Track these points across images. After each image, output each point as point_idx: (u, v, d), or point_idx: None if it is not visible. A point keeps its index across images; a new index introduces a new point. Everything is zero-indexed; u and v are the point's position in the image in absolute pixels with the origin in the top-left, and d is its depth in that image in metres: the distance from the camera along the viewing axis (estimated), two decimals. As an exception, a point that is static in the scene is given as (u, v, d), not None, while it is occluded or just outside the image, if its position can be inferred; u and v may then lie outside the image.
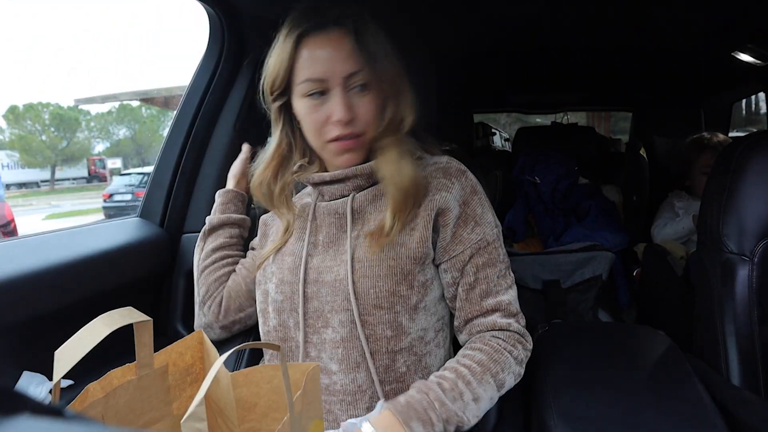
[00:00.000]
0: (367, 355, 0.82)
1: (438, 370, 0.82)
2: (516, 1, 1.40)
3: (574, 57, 2.08)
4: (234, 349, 0.54)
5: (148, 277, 1.15)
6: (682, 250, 1.85)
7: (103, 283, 1.01)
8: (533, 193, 2.35)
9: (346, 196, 0.89)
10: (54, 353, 0.50)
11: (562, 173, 2.35)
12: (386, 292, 0.82)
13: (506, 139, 6.82)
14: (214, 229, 1.05)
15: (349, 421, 0.75)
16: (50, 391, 0.85)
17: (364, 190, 0.89)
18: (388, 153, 0.84)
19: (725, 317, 1.04)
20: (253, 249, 1.03)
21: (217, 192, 1.09)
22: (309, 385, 0.58)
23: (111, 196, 12.72)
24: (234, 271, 1.02)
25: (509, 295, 0.87)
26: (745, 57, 1.79)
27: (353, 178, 0.87)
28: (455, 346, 0.91)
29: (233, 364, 1.03)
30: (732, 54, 1.79)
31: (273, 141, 0.92)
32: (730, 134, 2.55)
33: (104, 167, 29.03)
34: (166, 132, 1.26)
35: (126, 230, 1.15)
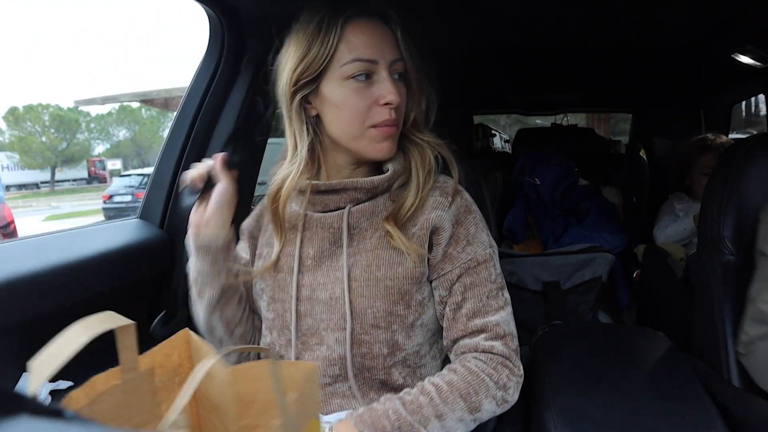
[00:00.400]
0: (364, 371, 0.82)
1: None
2: (516, 2, 1.40)
3: (574, 58, 2.08)
4: (220, 353, 0.53)
5: (148, 278, 1.14)
6: (682, 251, 1.85)
7: (103, 285, 1.01)
8: (533, 194, 2.35)
9: (341, 209, 0.84)
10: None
11: (562, 175, 2.35)
12: (384, 312, 0.81)
13: (506, 141, 6.83)
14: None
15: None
16: (50, 392, 0.85)
17: (361, 203, 0.85)
18: (422, 151, 0.85)
19: (725, 319, 1.04)
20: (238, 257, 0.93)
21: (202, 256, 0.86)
22: (307, 386, 0.58)
23: (111, 197, 12.72)
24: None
25: (498, 316, 0.83)
26: (744, 59, 1.79)
27: (352, 191, 0.83)
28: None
29: (235, 360, 1.03)
30: (732, 56, 1.79)
31: (297, 140, 0.83)
32: (730, 136, 2.55)
33: (104, 168, 29.04)
34: (166, 133, 1.26)
35: (126, 232, 1.15)
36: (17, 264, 0.86)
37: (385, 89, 0.79)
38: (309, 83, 0.80)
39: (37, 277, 0.87)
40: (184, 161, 1.20)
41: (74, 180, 30.06)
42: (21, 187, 27.61)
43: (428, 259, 0.84)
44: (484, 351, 0.81)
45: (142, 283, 1.13)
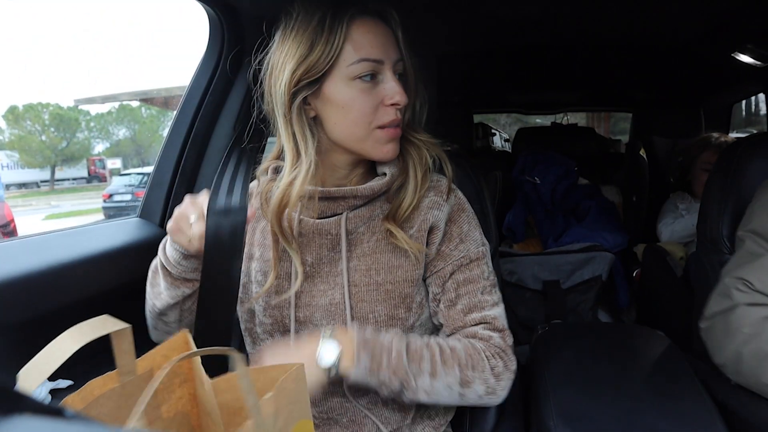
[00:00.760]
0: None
1: None
2: (516, 2, 1.40)
3: (574, 57, 2.08)
4: (183, 357, 0.53)
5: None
6: (682, 250, 1.85)
7: (103, 283, 1.01)
8: (533, 193, 2.35)
9: (338, 215, 0.83)
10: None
11: (562, 174, 2.35)
12: (385, 316, 0.81)
13: (506, 140, 6.83)
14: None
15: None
16: (50, 391, 0.85)
17: (357, 209, 0.83)
18: (419, 151, 0.84)
19: (725, 318, 1.03)
20: None
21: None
22: (290, 385, 0.57)
23: (111, 196, 12.73)
24: None
25: (495, 311, 0.83)
26: (744, 58, 1.80)
27: (351, 198, 0.82)
28: None
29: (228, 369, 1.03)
30: (732, 55, 1.79)
31: (300, 143, 0.78)
32: (730, 135, 2.55)
33: (104, 167, 29.04)
34: (165, 132, 1.26)
35: (126, 230, 1.14)
36: (17, 263, 0.86)
37: (392, 89, 0.78)
38: (311, 84, 0.77)
39: (37, 276, 0.87)
40: (184, 160, 1.20)
41: (74, 179, 30.05)
42: (21, 185, 27.61)
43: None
44: (482, 339, 0.81)
45: (142, 282, 1.13)
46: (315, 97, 0.79)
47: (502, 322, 0.84)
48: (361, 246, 0.83)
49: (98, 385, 0.55)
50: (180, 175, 1.20)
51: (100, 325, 0.51)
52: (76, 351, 0.48)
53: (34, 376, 0.46)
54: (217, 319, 0.82)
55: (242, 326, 0.89)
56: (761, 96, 2.48)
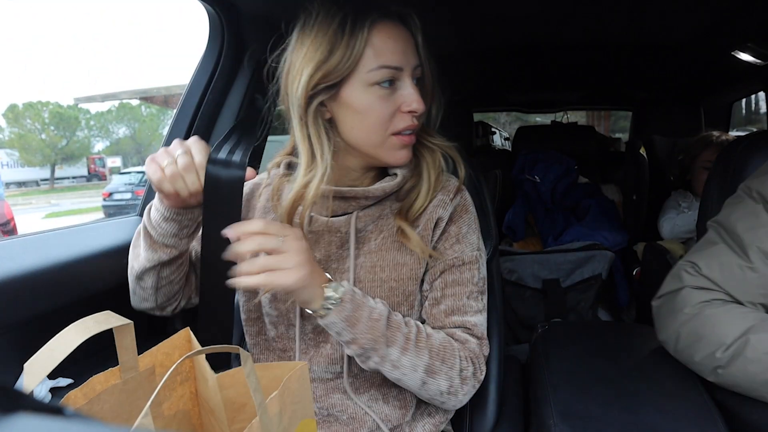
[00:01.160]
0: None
1: None
2: (516, 1, 1.40)
3: (574, 56, 2.08)
4: (194, 354, 0.53)
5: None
6: (682, 249, 1.85)
7: (103, 282, 1.01)
8: (533, 192, 2.35)
9: (348, 213, 0.84)
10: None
11: (562, 172, 2.35)
12: None
13: (506, 138, 6.83)
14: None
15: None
16: (50, 390, 0.86)
17: (367, 208, 0.84)
18: (433, 154, 0.84)
19: (725, 316, 1.03)
20: None
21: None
22: (294, 384, 0.57)
23: (111, 194, 12.73)
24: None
25: (477, 319, 0.83)
26: (745, 56, 1.79)
27: (363, 199, 0.83)
28: None
29: (232, 365, 1.03)
30: (732, 53, 1.79)
31: (315, 146, 0.77)
32: (730, 133, 2.55)
33: (104, 166, 29.07)
34: (165, 131, 1.26)
35: (126, 229, 1.14)
36: (17, 261, 0.86)
37: (410, 97, 0.77)
38: (329, 88, 0.75)
39: (37, 274, 0.87)
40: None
41: (74, 177, 30.06)
42: (21, 184, 27.62)
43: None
44: (458, 341, 0.82)
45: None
46: (332, 100, 0.77)
47: (482, 330, 0.84)
48: (368, 244, 0.84)
49: (100, 381, 0.55)
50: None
51: (104, 320, 0.52)
52: (76, 350, 0.48)
53: (39, 369, 0.47)
54: (219, 283, 0.76)
55: (244, 315, 0.90)
56: (761, 94, 2.48)
